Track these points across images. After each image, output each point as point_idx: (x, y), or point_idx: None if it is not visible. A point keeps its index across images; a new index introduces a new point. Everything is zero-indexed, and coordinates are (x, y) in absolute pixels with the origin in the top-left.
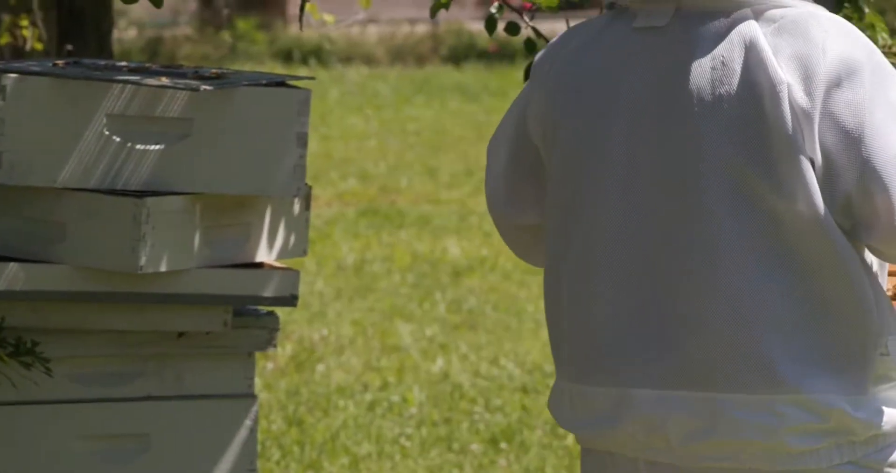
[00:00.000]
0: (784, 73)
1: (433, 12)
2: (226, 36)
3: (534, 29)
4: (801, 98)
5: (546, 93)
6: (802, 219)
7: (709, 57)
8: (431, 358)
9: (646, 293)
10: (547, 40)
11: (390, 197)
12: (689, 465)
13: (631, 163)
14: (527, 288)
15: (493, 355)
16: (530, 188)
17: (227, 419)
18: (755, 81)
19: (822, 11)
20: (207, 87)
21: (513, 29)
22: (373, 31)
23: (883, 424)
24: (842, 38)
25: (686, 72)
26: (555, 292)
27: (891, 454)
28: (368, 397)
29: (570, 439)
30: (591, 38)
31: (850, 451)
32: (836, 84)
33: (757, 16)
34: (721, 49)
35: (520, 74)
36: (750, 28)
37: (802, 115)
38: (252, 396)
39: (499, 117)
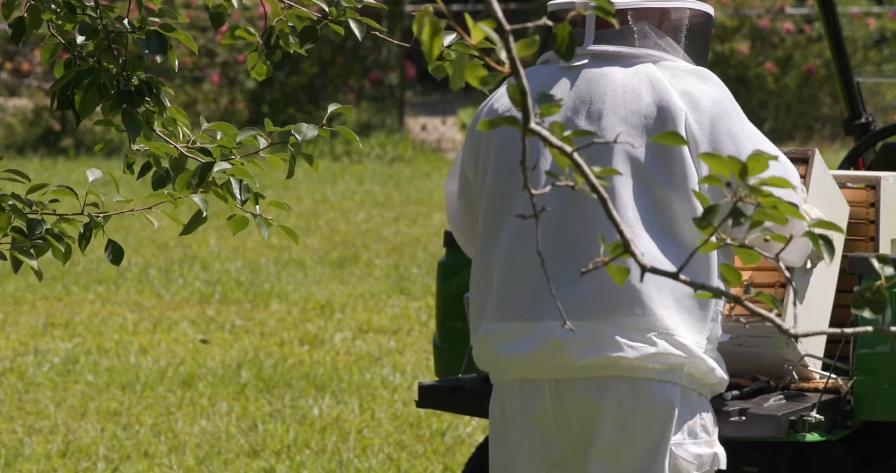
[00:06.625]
0: (682, 104)
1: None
2: None
3: None
4: (694, 124)
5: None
6: (683, 206)
7: (620, 84)
8: None
9: (562, 254)
10: None
11: None
12: (583, 376)
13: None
14: None
15: None
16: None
17: None
18: (660, 106)
19: (699, 68)
20: None
21: None
22: None
23: (714, 370)
24: (714, 86)
25: (603, 95)
26: (488, 266)
27: (707, 403)
28: None
29: None
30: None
31: (688, 380)
32: (717, 118)
33: (655, 63)
34: (630, 81)
35: None
36: (652, 70)
37: (692, 138)
38: None
39: None
